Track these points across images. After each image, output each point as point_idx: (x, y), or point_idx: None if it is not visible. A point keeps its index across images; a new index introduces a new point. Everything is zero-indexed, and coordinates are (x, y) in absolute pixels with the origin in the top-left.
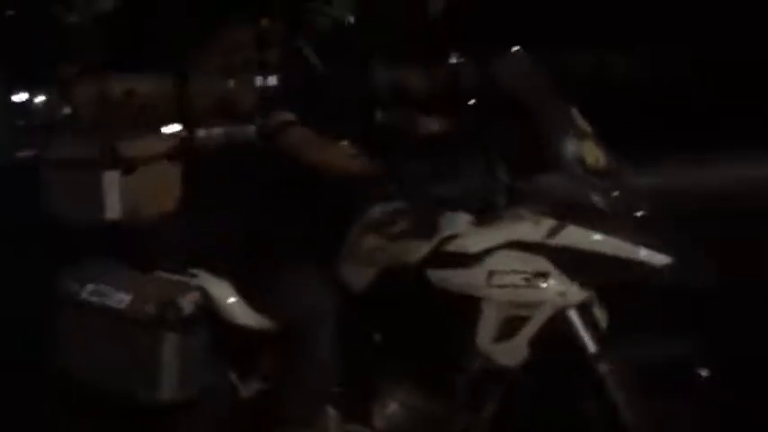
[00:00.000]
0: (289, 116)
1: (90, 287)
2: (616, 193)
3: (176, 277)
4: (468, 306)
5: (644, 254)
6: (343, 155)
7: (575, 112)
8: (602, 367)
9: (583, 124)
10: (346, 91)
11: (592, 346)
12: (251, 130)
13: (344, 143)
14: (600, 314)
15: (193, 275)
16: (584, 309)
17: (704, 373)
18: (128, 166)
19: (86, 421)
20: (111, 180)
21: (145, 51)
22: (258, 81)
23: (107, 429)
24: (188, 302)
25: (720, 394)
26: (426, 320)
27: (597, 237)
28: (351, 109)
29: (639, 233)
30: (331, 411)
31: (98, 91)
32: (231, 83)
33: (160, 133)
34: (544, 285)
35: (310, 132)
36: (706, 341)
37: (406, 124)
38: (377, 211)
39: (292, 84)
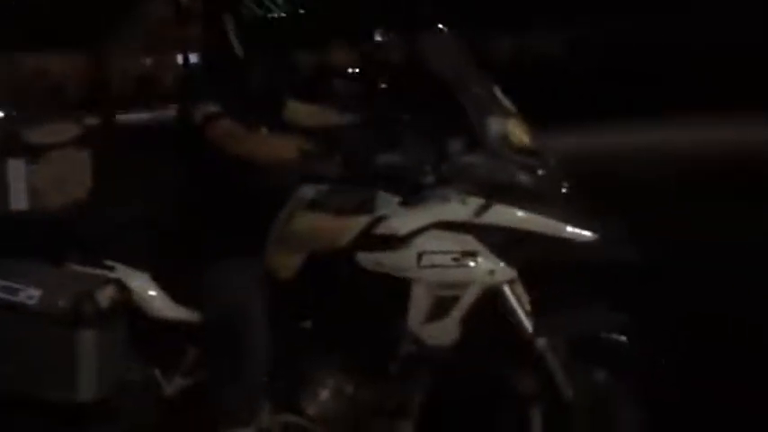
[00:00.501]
0: (213, 107)
1: None
2: (541, 171)
3: (91, 270)
4: (398, 288)
5: (570, 231)
6: (272, 144)
7: (498, 91)
8: (540, 343)
9: (506, 103)
10: (266, 79)
11: (528, 323)
12: (172, 114)
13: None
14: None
15: (109, 268)
16: (514, 286)
17: (631, 343)
18: (34, 154)
19: None
20: (17, 169)
21: (58, 28)
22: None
23: None
24: (105, 296)
25: (649, 364)
26: (356, 305)
27: (524, 215)
28: (269, 97)
29: (565, 210)
30: (263, 403)
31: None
32: (150, 61)
33: (69, 118)
34: (473, 264)
35: (235, 125)
36: (631, 313)
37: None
38: (304, 192)
39: (216, 69)
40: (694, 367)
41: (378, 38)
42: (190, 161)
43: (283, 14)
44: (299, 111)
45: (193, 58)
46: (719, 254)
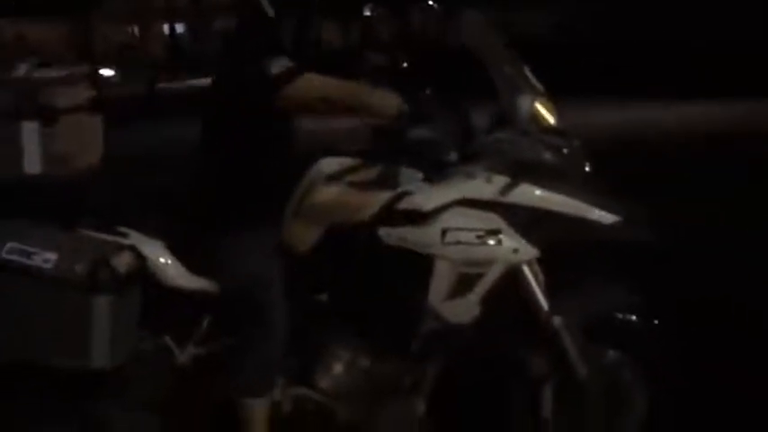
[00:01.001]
0: (289, 62)
1: (10, 245)
2: (566, 151)
3: (106, 236)
4: (420, 264)
5: (594, 212)
6: (376, 97)
7: (527, 70)
8: (556, 321)
9: (535, 82)
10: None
11: (544, 302)
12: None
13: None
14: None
15: (123, 235)
16: (532, 265)
17: (646, 325)
18: (49, 118)
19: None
20: (31, 132)
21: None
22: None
23: (31, 401)
24: (121, 262)
25: (665, 343)
26: (375, 279)
27: (548, 195)
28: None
29: (589, 191)
30: (278, 375)
31: None
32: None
33: (83, 82)
34: (497, 243)
35: (324, 78)
36: (646, 294)
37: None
38: (325, 164)
39: (251, 30)
40: (707, 350)
41: (367, 12)
42: (212, 129)
43: None
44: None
45: (179, 28)
46: (733, 237)
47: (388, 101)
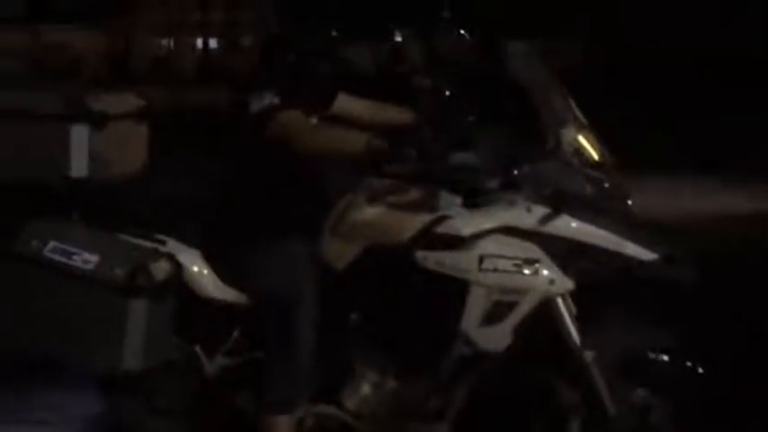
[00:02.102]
0: (276, 98)
1: (53, 244)
2: (607, 185)
3: (145, 242)
4: (455, 289)
5: (632, 248)
6: (341, 139)
7: (573, 102)
8: (587, 355)
9: (580, 115)
10: (315, 67)
11: (576, 335)
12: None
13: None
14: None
15: (161, 242)
16: (566, 298)
17: (677, 364)
18: (97, 122)
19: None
20: (80, 134)
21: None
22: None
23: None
24: (159, 269)
25: (700, 384)
26: (409, 301)
27: (588, 227)
28: (318, 86)
29: (628, 227)
30: (306, 392)
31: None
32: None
33: (131, 91)
34: (534, 272)
35: (301, 117)
36: (685, 332)
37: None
38: (366, 184)
39: (268, 56)
40: (738, 396)
41: (397, 37)
42: (246, 144)
43: None
44: (351, 104)
45: (213, 42)
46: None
47: (353, 141)
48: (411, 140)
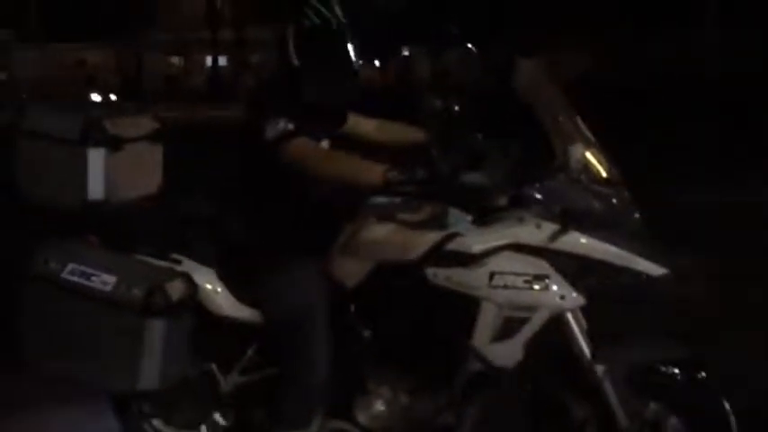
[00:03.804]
0: (289, 124)
1: (72, 266)
2: (615, 201)
3: (160, 262)
4: (466, 306)
5: (642, 264)
6: (357, 167)
7: (580, 120)
8: (599, 370)
9: (587, 132)
10: (326, 91)
11: (587, 350)
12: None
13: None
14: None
15: (177, 261)
16: (576, 313)
17: (692, 377)
18: (114, 146)
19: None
20: (96, 158)
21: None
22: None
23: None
24: (176, 289)
25: (712, 398)
26: (420, 318)
27: (597, 244)
28: (328, 109)
29: (638, 242)
30: (320, 407)
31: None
32: (180, 61)
33: (147, 113)
34: (544, 288)
35: (314, 144)
36: (695, 346)
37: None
38: (376, 202)
39: (281, 81)
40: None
41: (405, 52)
42: (260, 167)
43: (343, 22)
44: (362, 124)
45: (222, 60)
46: None
47: (369, 170)
48: (421, 158)
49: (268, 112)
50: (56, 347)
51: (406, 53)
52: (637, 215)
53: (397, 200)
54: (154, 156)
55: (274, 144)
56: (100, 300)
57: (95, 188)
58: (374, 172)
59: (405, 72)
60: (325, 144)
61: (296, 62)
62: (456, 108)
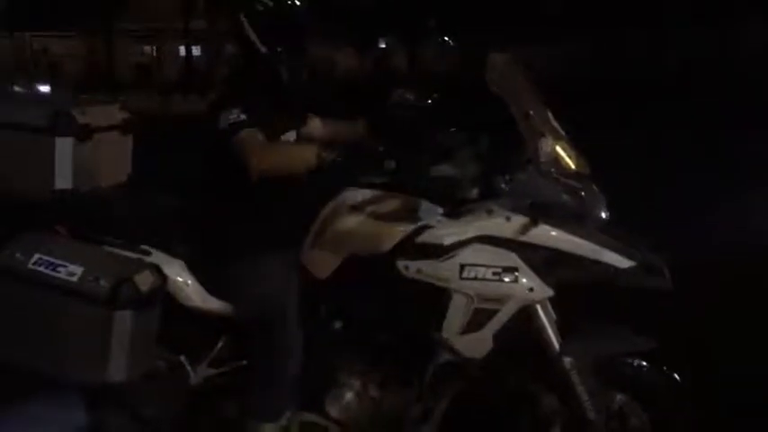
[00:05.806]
0: (239, 114)
1: (37, 257)
2: (584, 195)
3: (129, 253)
4: (436, 297)
5: (610, 256)
6: (290, 154)
7: (550, 113)
8: (567, 362)
9: (557, 126)
10: (289, 76)
11: (556, 342)
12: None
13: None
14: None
15: (146, 253)
16: (545, 305)
17: (659, 368)
18: (82, 135)
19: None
20: (64, 147)
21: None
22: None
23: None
24: (144, 281)
25: (677, 390)
26: (390, 310)
27: (566, 236)
28: (295, 100)
29: (606, 235)
30: (291, 400)
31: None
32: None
33: (115, 103)
34: (513, 280)
35: (256, 135)
36: (660, 336)
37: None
38: (347, 195)
39: (243, 70)
40: (718, 398)
41: (381, 44)
42: (216, 157)
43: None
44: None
45: (196, 50)
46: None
47: (302, 155)
48: (391, 151)
49: (224, 102)
50: (22, 340)
51: (383, 45)
52: (605, 208)
53: (369, 192)
54: (123, 146)
55: (225, 134)
56: (67, 291)
57: (63, 177)
58: (308, 152)
59: (381, 63)
60: (290, 137)
61: (263, 49)
62: (428, 102)
